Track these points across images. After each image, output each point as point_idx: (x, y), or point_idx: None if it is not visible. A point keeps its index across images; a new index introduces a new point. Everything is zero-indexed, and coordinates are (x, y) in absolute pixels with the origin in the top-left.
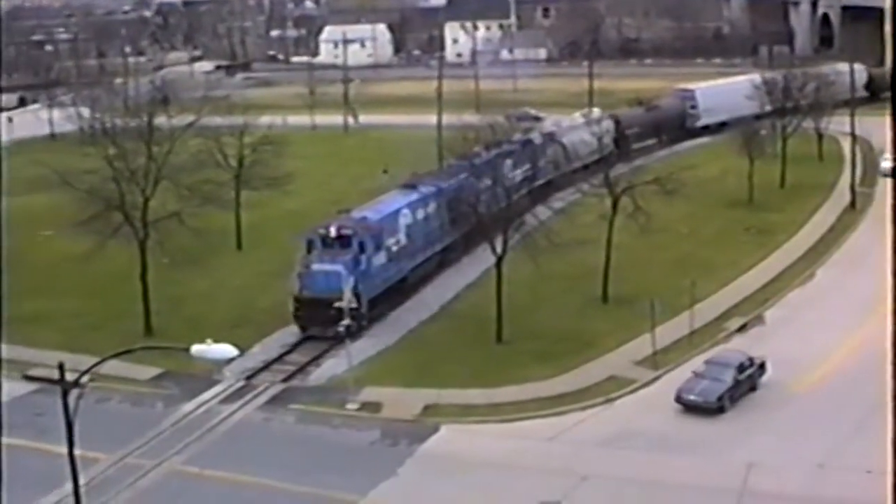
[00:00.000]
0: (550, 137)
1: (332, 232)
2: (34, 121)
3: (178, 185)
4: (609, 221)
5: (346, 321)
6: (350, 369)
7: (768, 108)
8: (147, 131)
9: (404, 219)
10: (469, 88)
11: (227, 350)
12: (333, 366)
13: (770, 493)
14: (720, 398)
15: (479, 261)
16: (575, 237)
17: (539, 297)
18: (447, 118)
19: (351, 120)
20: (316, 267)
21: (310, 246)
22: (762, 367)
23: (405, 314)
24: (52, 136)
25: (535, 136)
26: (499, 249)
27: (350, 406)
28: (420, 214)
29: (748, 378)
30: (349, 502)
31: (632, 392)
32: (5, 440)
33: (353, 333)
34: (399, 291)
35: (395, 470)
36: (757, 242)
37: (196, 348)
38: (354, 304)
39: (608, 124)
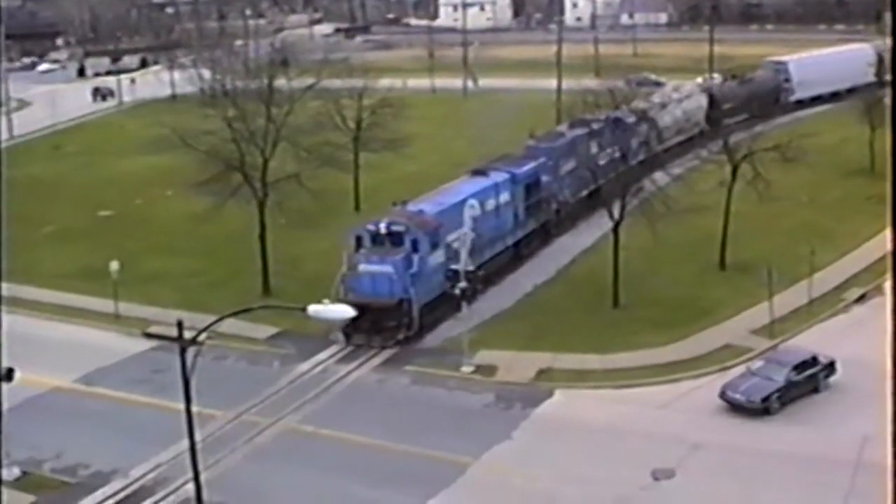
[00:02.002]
0: (642, 115)
1: (382, 228)
2: (155, 82)
3: (297, 146)
4: (728, 188)
5: (463, 284)
6: (465, 332)
7: (872, 79)
8: (267, 93)
9: (470, 210)
10: (588, 53)
11: (344, 310)
12: (449, 328)
13: (887, 467)
14: (766, 399)
15: (596, 226)
16: (693, 204)
17: (656, 264)
18: (566, 83)
19: (470, 83)
20: (363, 268)
21: (358, 243)
22: (830, 366)
23: (522, 278)
24: (173, 97)
25: (625, 115)
26: (616, 215)
27: (465, 369)
28: (490, 205)
29: (808, 379)
30: (462, 464)
31: (748, 361)
32: (126, 395)
33: (468, 297)
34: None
35: (509, 433)
36: (878, 212)
37: (313, 308)
38: (472, 267)
39: (701, 99)
